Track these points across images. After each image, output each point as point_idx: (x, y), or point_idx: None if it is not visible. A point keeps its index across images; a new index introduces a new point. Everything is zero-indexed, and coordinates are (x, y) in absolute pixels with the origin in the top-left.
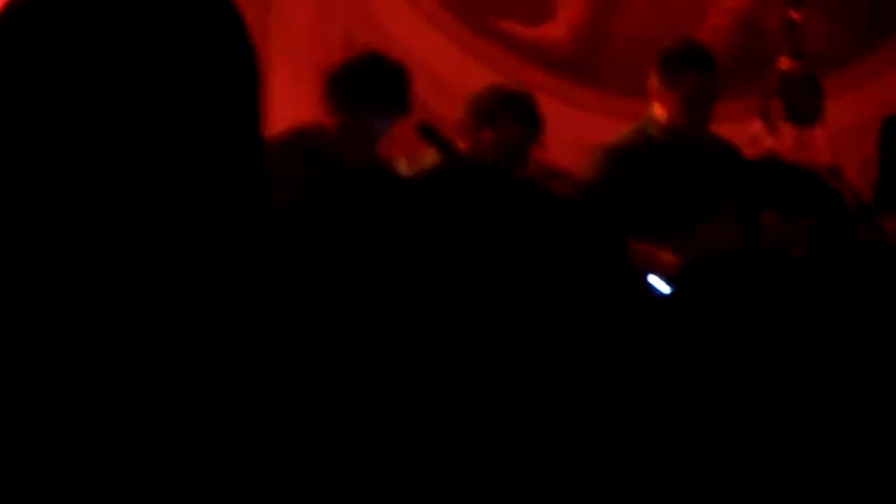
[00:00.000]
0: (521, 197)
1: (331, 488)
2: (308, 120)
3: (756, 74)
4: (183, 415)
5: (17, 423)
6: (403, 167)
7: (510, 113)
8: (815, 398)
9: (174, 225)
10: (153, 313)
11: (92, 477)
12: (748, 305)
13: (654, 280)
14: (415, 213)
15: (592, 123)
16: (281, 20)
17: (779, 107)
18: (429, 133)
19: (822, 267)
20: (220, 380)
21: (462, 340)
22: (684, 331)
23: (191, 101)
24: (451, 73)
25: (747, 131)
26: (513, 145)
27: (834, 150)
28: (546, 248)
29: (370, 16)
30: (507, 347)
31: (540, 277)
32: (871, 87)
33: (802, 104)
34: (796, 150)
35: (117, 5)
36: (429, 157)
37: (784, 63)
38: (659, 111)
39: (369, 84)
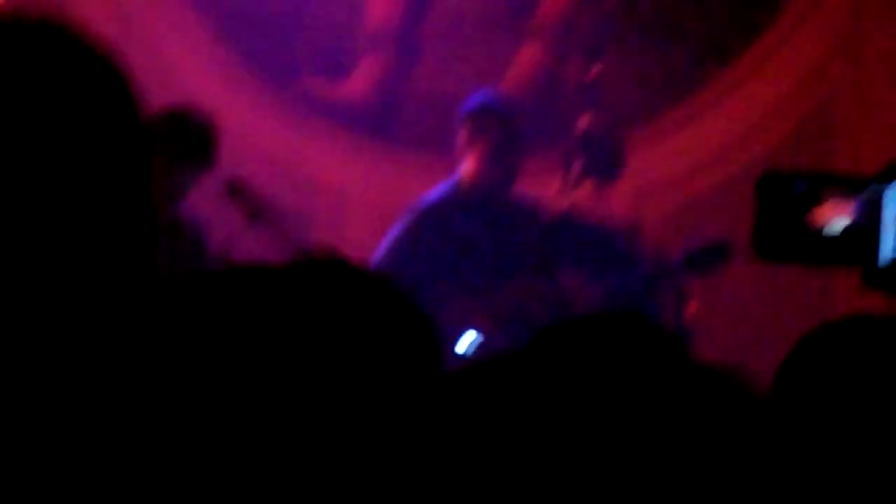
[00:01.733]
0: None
1: None
2: None
3: (556, 130)
4: None
5: None
6: None
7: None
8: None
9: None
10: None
11: None
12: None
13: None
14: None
15: (394, 181)
16: None
17: (579, 163)
18: (236, 191)
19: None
20: None
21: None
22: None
23: (78, 161)
24: (252, 133)
25: (548, 188)
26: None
27: (637, 206)
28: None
29: (169, 74)
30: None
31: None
32: (673, 141)
33: (603, 161)
34: (596, 208)
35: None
36: None
37: (584, 120)
38: (466, 166)
39: (175, 136)
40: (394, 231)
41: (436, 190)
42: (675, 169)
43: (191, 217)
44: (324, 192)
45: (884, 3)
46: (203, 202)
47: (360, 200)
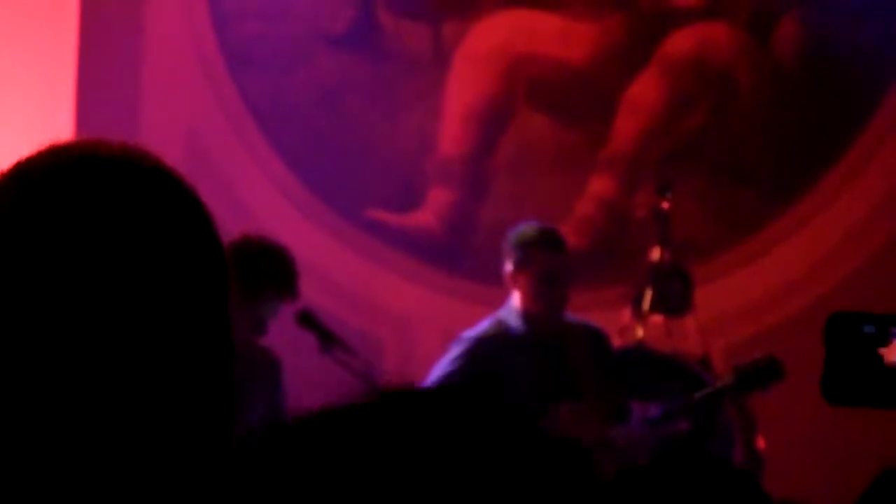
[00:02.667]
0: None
1: None
2: None
3: (625, 263)
4: None
5: None
6: None
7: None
8: None
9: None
10: None
11: None
12: None
13: None
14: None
15: (461, 311)
16: None
17: (649, 296)
18: (308, 320)
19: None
20: None
21: None
22: None
23: (158, 300)
24: (322, 262)
25: (618, 320)
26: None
27: (706, 338)
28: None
29: (240, 204)
30: None
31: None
32: (743, 274)
33: (672, 294)
34: (666, 340)
35: (83, 212)
36: None
37: (654, 253)
38: (515, 298)
39: (257, 267)
40: (445, 361)
41: (485, 321)
42: (746, 301)
43: (267, 347)
44: (391, 320)
45: None
46: (273, 331)
47: (427, 329)
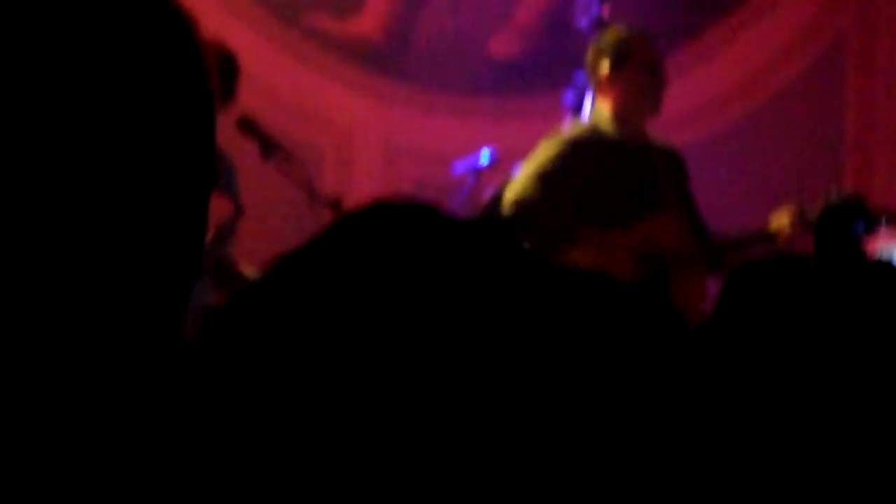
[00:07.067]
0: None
1: None
2: None
3: (564, 70)
4: None
5: None
6: None
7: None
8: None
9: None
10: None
11: None
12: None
13: None
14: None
15: (401, 119)
16: None
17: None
18: (249, 126)
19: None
20: None
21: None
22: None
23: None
24: (261, 69)
25: (553, 129)
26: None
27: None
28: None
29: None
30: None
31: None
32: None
33: None
34: None
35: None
36: None
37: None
38: (605, 103)
39: None
40: (540, 158)
41: (573, 125)
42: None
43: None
44: (331, 128)
45: None
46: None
47: (367, 136)
